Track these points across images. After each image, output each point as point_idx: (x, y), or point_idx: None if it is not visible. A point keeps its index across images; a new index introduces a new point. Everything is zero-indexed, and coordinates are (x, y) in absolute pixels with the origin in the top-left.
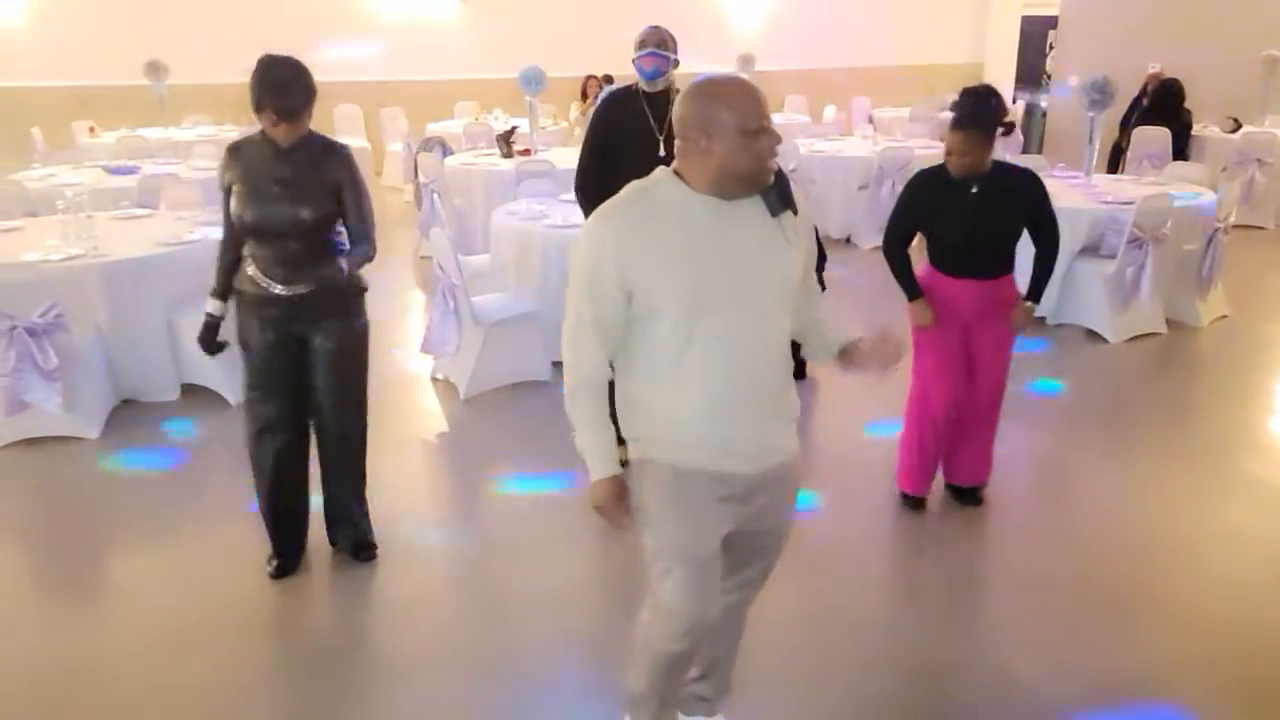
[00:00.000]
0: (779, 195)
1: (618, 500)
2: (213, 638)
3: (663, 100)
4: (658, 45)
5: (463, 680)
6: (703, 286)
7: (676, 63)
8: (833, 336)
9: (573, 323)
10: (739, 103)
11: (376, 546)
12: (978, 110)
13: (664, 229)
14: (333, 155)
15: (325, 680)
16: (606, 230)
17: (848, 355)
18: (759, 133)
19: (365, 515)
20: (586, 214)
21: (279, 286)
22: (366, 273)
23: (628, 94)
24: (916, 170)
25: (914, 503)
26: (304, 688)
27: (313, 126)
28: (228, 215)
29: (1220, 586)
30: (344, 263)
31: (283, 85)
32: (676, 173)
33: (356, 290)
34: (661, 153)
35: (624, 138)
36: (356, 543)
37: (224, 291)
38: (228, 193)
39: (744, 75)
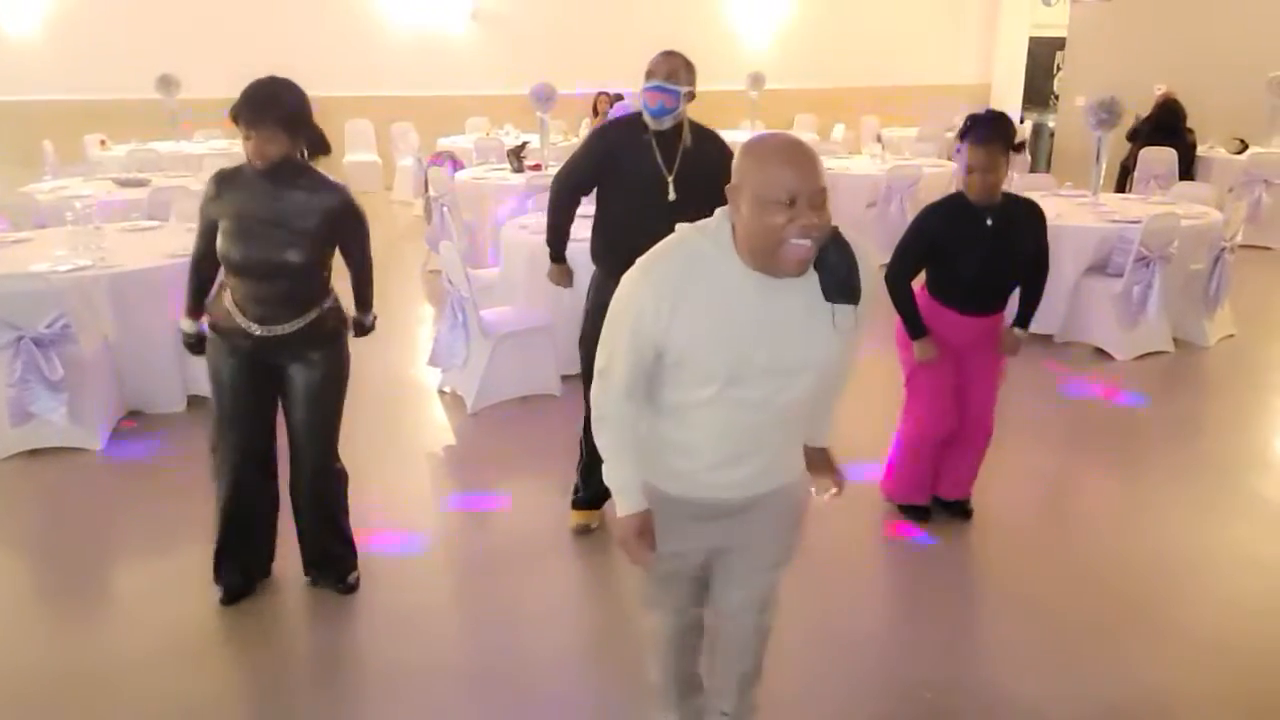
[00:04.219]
0: (840, 286)
1: (640, 535)
2: (216, 649)
3: (673, 136)
4: (666, 78)
5: (465, 693)
6: (736, 363)
7: (691, 95)
8: (821, 428)
9: (606, 359)
10: (772, 167)
11: (356, 576)
12: (1000, 125)
13: (706, 297)
14: (330, 194)
15: (329, 692)
16: (648, 286)
17: (812, 462)
18: (785, 207)
19: (349, 553)
20: (552, 209)
21: (256, 327)
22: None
23: (634, 123)
24: (926, 201)
25: (916, 513)
26: (307, 700)
27: (311, 139)
28: (203, 239)
29: (1225, 607)
30: (361, 319)
31: (255, 97)
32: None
33: (339, 323)
34: (672, 196)
35: (625, 172)
36: (338, 578)
37: (196, 310)
38: (210, 224)
39: (803, 140)
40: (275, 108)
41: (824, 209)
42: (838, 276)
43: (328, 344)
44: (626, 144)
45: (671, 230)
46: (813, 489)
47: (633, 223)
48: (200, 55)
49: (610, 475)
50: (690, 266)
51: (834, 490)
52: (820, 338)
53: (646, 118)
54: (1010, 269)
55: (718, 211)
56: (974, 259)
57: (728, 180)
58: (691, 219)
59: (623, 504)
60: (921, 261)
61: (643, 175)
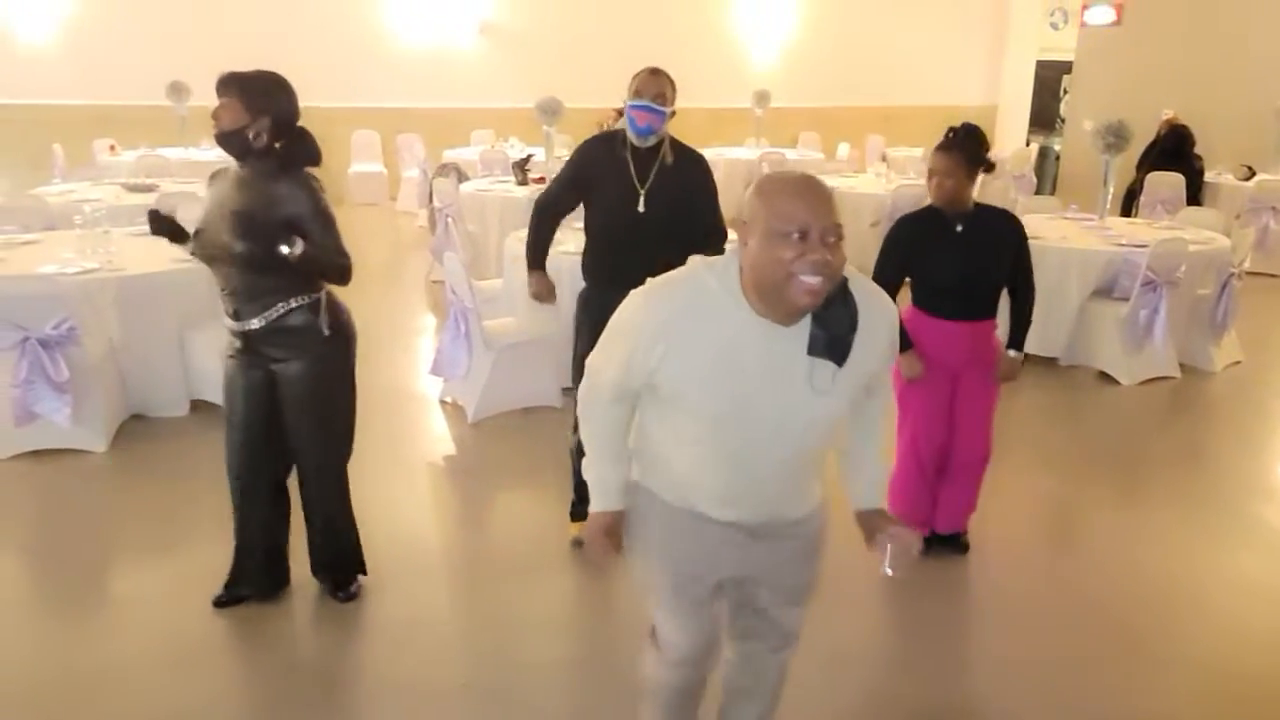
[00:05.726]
0: (829, 342)
1: (607, 534)
2: (212, 658)
3: (651, 152)
4: (655, 98)
5: (463, 706)
6: (728, 406)
7: (672, 114)
8: (865, 484)
9: (602, 364)
10: (784, 200)
11: (357, 586)
12: (962, 136)
13: (703, 336)
14: (288, 185)
15: (325, 704)
16: (657, 315)
17: (867, 525)
18: (796, 240)
19: (351, 562)
20: (531, 230)
21: (230, 320)
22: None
23: (614, 139)
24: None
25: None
26: (302, 711)
27: (317, 147)
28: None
29: (1230, 632)
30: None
31: (232, 73)
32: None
33: (317, 332)
34: (642, 208)
35: (601, 185)
36: (338, 586)
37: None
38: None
39: (816, 175)
40: (238, 79)
41: (838, 248)
42: (830, 331)
43: (309, 352)
44: (603, 159)
45: (642, 242)
46: (885, 567)
47: (608, 235)
48: (210, 63)
49: (589, 470)
50: (691, 304)
51: (888, 566)
52: (813, 396)
53: (631, 134)
54: (989, 273)
55: (728, 250)
56: (948, 264)
57: (708, 194)
58: (662, 232)
59: (596, 500)
60: (900, 271)
61: (618, 188)
